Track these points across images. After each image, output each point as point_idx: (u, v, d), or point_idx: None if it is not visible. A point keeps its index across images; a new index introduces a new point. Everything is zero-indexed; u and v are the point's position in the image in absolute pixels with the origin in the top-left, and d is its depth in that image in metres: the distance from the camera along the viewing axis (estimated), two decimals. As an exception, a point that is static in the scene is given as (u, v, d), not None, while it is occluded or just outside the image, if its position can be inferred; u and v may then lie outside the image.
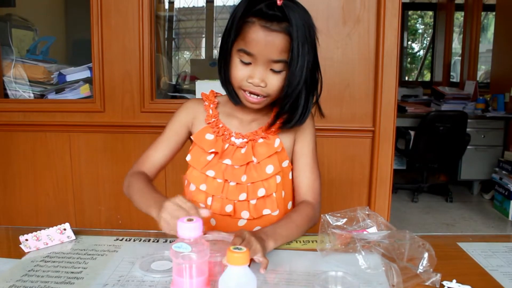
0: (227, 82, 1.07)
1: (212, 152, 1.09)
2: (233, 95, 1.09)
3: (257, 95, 1.02)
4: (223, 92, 1.14)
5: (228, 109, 1.15)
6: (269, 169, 1.08)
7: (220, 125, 1.11)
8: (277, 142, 1.10)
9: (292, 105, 1.03)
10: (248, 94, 1.02)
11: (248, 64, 0.99)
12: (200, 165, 1.09)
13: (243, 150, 1.09)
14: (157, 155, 1.15)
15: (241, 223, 1.10)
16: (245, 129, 1.12)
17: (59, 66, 2.27)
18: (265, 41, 0.96)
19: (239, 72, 1.01)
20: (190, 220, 0.72)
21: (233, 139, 1.10)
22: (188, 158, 1.12)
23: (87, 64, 2.16)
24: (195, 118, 1.15)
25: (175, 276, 0.73)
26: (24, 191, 2.15)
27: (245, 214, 1.09)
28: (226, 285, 0.65)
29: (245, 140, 1.10)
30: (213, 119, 1.12)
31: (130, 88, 2.03)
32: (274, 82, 1.00)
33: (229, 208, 1.08)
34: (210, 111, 1.13)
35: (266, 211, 1.09)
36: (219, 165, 1.08)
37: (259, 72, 0.99)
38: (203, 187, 1.09)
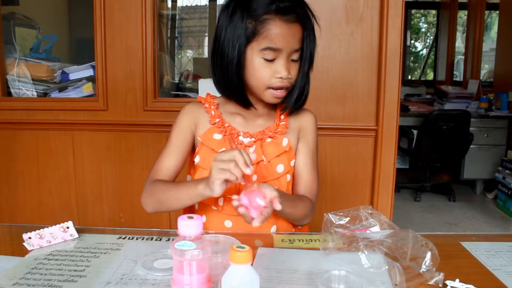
0: (238, 88, 1.07)
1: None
2: (244, 98, 1.09)
3: (282, 88, 1.05)
4: (218, 93, 1.16)
5: (229, 108, 1.15)
6: (280, 168, 1.10)
7: (226, 125, 1.12)
8: (285, 141, 1.12)
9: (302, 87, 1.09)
10: (276, 91, 1.05)
11: (272, 60, 1.02)
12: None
13: (251, 149, 1.10)
14: (167, 164, 1.12)
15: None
16: (250, 126, 1.13)
17: (62, 65, 2.27)
18: (289, 33, 1.01)
19: (265, 71, 1.03)
20: (190, 217, 0.72)
21: (241, 138, 1.11)
22: (196, 160, 1.11)
23: (90, 62, 2.17)
24: (197, 122, 1.14)
25: (176, 274, 0.73)
26: (27, 189, 2.16)
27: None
28: (229, 284, 0.65)
29: (253, 139, 1.11)
30: (217, 119, 1.12)
31: (133, 87, 2.03)
32: (295, 71, 1.06)
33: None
34: (213, 112, 1.13)
35: None
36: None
37: (285, 64, 1.03)
38: None
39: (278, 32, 1.00)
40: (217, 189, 0.90)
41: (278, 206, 0.88)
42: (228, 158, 0.88)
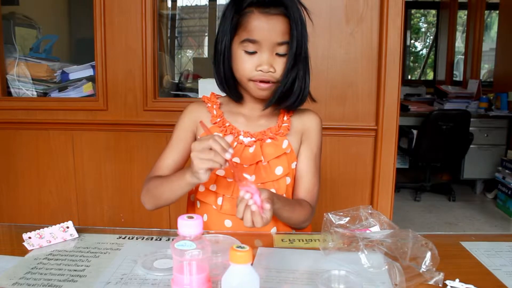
0: (228, 81, 1.08)
1: None
2: (236, 93, 1.10)
3: (267, 82, 1.04)
4: (223, 93, 1.15)
5: (231, 107, 1.15)
6: (278, 170, 1.10)
7: (227, 124, 1.12)
8: (285, 143, 1.11)
9: (291, 84, 1.06)
10: (259, 83, 1.04)
11: (253, 53, 1.02)
12: None
13: (251, 149, 1.10)
14: (167, 162, 1.14)
15: None
16: (252, 126, 1.13)
17: (62, 65, 2.27)
18: (268, 25, 1.00)
19: (246, 63, 1.03)
20: (190, 217, 0.72)
21: (241, 137, 1.11)
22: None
23: (90, 62, 2.17)
24: (198, 121, 1.14)
25: (176, 274, 0.73)
26: (27, 189, 2.16)
27: None
28: (229, 284, 0.65)
29: (253, 139, 1.10)
30: (218, 119, 1.12)
31: (133, 87, 2.03)
32: (281, 66, 1.04)
33: None
34: (214, 112, 1.14)
35: None
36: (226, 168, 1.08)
37: (266, 58, 1.02)
38: (213, 187, 1.09)
39: (256, 24, 1.00)
40: (203, 177, 0.92)
41: (266, 206, 0.88)
42: (205, 147, 0.89)
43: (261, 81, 1.04)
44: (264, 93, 1.07)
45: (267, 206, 0.88)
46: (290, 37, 1.02)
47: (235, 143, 1.10)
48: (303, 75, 1.07)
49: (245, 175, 0.91)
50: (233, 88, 1.10)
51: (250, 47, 1.01)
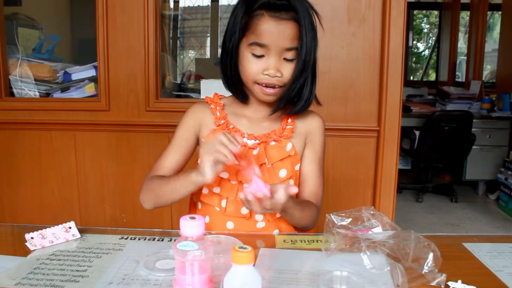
0: (234, 81, 1.07)
1: None
2: (242, 93, 1.09)
3: (273, 86, 1.03)
4: (226, 93, 1.15)
5: (235, 109, 1.14)
6: (282, 173, 1.09)
7: (231, 126, 1.11)
8: (289, 146, 1.11)
9: (299, 89, 1.05)
10: (264, 87, 1.03)
11: (261, 56, 1.01)
12: None
13: (255, 152, 1.09)
14: (168, 161, 1.13)
15: (260, 225, 1.10)
16: (255, 128, 1.12)
17: (64, 65, 2.27)
18: (277, 30, 0.99)
19: (253, 66, 1.02)
20: (192, 218, 0.72)
21: (245, 139, 1.10)
22: (199, 161, 1.11)
23: (92, 63, 2.17)
24: (202, 123, 1.14)
25: (178, 274, 0.73)
26: (29, 189, 2.16)
27: (260, 217, 1.09)
28: (231, 285, 0.65)
29: (257, 141, 1.10)
30: (222, 121, 1.12)
31: (135, 87, 2.03)
32: (288, 71, 1.03)
33: (245, 210, 1.08)
34: (218, 113, 1.13)
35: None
36: (232, 166, 1.08)
37: (274, 62, 1.01)
38: (216, 189, 1.09)
39: (265, 28, 0.99)
40: (208, 172, 0.92)
41: (295, 189, 0.92)
42: (214, 142, 0.91)
43: (267, 86, 1.03)
44: (270, 98, 1.06)
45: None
46: (299, 43, 1.00)
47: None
48: (311, 81, 1.06)
49: (256, 169, 0.93)
50: (238, 88, 1.09)
51: (258, 51, 1.00)
